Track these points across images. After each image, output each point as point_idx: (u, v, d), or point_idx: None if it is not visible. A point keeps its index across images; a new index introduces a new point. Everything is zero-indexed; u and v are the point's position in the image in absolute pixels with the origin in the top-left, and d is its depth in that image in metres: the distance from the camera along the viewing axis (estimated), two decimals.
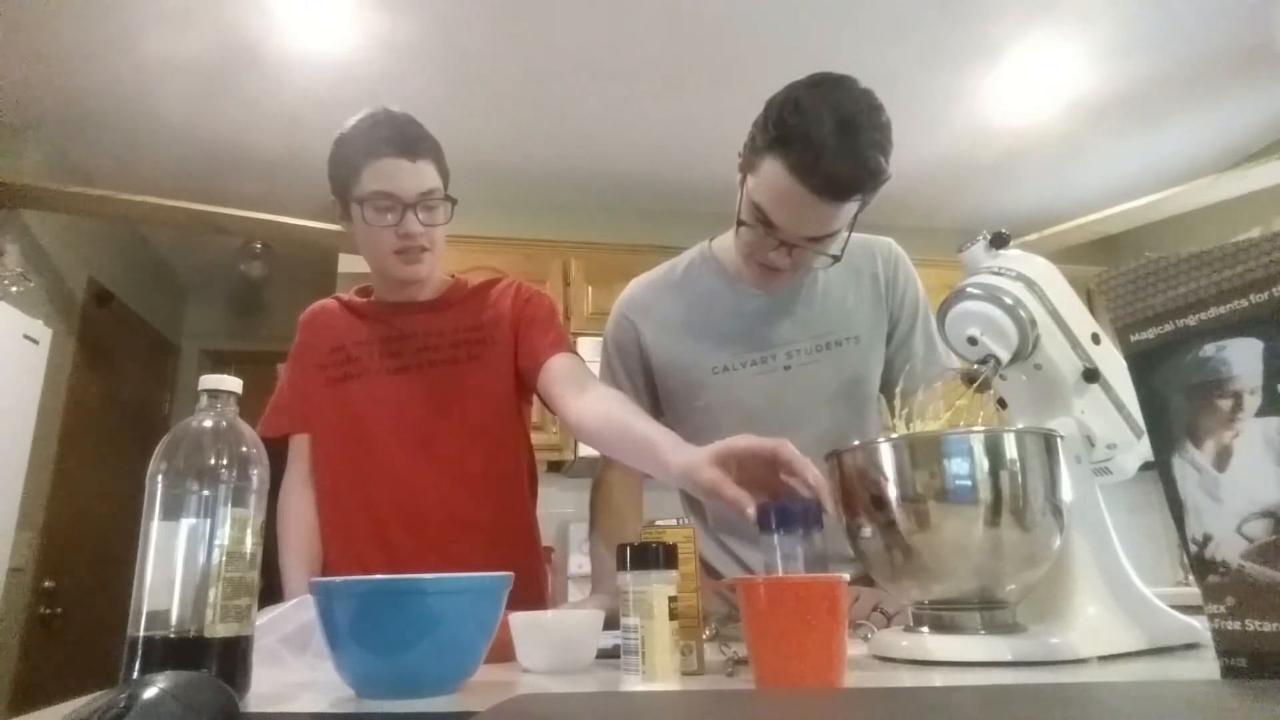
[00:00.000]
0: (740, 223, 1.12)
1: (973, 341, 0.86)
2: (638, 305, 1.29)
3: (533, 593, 1.30)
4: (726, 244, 1.25)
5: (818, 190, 1.01)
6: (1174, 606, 0.82)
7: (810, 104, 1.01)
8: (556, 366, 1.23)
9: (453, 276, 1.39)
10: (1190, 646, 0.80)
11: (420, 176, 1.20)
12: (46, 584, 3.07)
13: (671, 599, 0.66)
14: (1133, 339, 0.62)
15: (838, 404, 1.22)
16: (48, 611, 3.08)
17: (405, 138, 1.20)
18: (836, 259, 1.11)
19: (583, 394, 1.17)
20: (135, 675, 0.60)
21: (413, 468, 1.23)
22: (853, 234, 1.17)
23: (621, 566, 0.67)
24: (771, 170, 1.04)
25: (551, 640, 0.79)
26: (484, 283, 1.38)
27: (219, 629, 0.62)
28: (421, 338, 1.29)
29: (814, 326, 1.23)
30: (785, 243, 1.08)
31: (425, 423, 1.25)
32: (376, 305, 1.34)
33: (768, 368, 1.22)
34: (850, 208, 1.06)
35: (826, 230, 1.07)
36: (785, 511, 0.82)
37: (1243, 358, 0.55)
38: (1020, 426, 0.82)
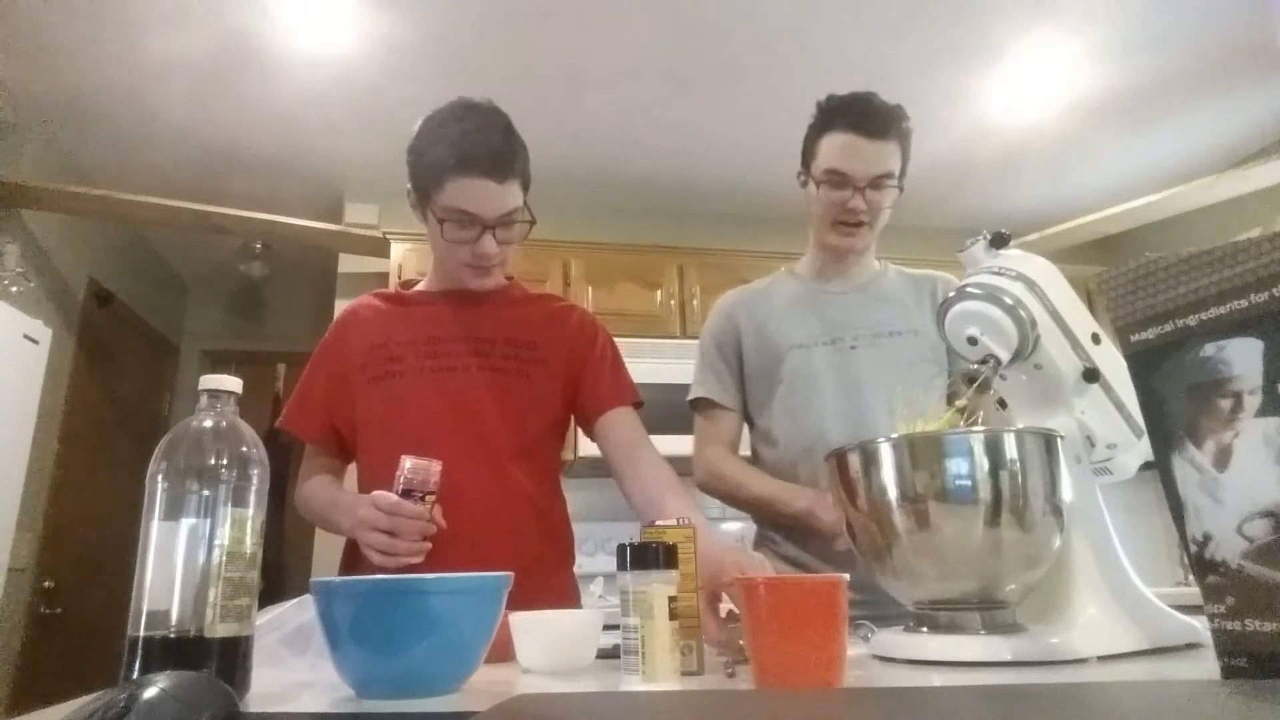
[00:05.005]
0: (819, 183, 1.40)
1: (973, 341, 0.86)
2: (738, 302, 1.54)
3: (565, 600, 1.26)
4: (802, 265, 1.55)
5: (870, 133, 1.34)
6: (1174, 606, 0.82)
7: (836, 95, 1.41)
8: (614, 426, 1.27)
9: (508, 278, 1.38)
10: (1190, 646, 0.80)
11: (505, 198, 1.17)
12: (46, 584, 3.07)
13: (671, 599, 0.66)
14: (1133, 339, 0.62)
15: (895, 382, 1.31)
16: (48, 611, 3.08)
17: (498, 157, 1.15)
18: (901, 190, 1.40)
19: (633, 465, 1.23)
20: (135, 675, 0.60)
21: (451, 466, 1.16)
22: (917, 270, 1.51)
23: (622, 566, 0.67)
24: (830, 139, 1.38)
25: (551, 640, 0.79)
26: (541, 295, 1.40)
27: (219, 629, 0.62)
28: (472, 342, 1.27)
29: (878, 317, 1.45)
30: (858, 189, 1.36)
31: (463, 425, 1.22)
32: (425, 296, 1.32)
33: (836, 348, 1.43)
34: (894, 148, 1.36)
35: (886, 168, 1.36)
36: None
37: (1243, 358, 0.55)
38: (1020, 426, 0.82)
